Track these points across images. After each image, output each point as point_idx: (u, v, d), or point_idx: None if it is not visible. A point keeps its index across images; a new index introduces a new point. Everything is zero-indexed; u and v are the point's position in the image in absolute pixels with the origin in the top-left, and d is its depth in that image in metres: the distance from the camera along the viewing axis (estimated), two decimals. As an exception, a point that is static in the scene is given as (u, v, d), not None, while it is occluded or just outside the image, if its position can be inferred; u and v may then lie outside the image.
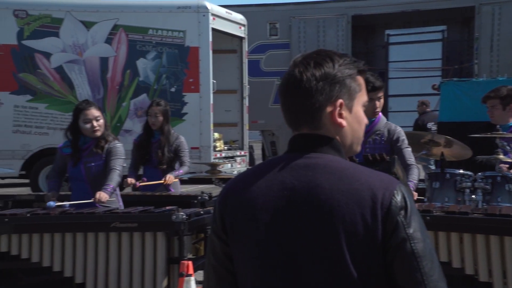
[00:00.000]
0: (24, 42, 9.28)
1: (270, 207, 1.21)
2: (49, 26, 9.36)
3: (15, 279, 3.63)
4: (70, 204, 3.75)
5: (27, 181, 9.47)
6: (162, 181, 4.68)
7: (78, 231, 3.39)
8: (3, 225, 3.36)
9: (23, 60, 9.30)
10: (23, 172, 9.25)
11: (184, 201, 4.28)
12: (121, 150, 3.88)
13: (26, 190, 8.95)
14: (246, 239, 1.22)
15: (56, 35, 9.34)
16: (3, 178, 9.54)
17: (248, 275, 1.23)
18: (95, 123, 3.81)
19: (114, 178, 3.77)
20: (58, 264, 3.39)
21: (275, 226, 1.20)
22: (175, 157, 4.80)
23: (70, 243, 3.40)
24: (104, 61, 9.49)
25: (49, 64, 9.37)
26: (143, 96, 9.52)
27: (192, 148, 8.12)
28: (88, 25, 9.41)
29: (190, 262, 3.31)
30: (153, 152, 4.76)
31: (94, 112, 3.82)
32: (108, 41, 9.46)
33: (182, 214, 3.38)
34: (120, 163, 3.86)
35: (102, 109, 9.30)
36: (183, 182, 8.16)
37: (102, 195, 3.68)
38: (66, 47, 9.39)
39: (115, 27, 9.45)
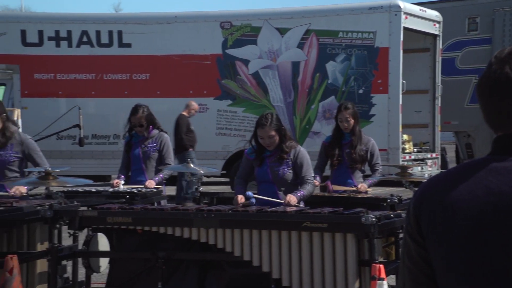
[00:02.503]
0: (228, 51, 10.09)
1: (474, 213, 1.11)
2: (248, 34, 10.05)
3: (221, 270, 3.98)
4: (262, 199, 4.03)
5: (227, 179, 10.32)
6: (354, 188, 4.75)
7: (273, 229, 3.62)
8: (210, 219, 3.72)
9: (226, 68, 10.13)
10: (224, 172, 10.07)
11: (373, 203, 4.24)
12: (307, 156, 4.13)
13: (227, 188, 9.77)
14: (446, 246, 1.14)
15: (254, 42, 9.99)
16: (208, 176, 10.53)
17: (449, 285, 1.14)
18: (267, 141, 4.06)
19: (308, 189, 4.06)
20: (256, 259, 3.65)
21: (479, 235, 1.11)
22: (366, 158, 4.87)
23: (266, 239, 3.64)
24: (295, 65, 9.88)
25: (247, 70, 10.07)
26: (331, 98, 9.69)
27: (379, 150, 8.03)
28: (282, 31, 9.89)
29: (382, 266, 3.30)
30: (344, 153, 4.86)
31: (268, 131, 4.03)
32: (300, 45, 9.82)
33: (371, 216, 3.39)
34: (311, 172, 4.15)
35: (292, 112, 9.84)
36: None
37: (292, 199, 3.93)
38: (262, 54, 9.99)
39: (307, 32, 9.78)
